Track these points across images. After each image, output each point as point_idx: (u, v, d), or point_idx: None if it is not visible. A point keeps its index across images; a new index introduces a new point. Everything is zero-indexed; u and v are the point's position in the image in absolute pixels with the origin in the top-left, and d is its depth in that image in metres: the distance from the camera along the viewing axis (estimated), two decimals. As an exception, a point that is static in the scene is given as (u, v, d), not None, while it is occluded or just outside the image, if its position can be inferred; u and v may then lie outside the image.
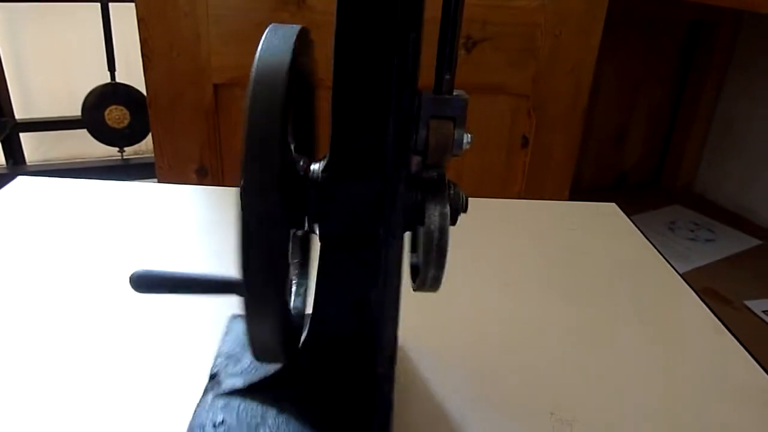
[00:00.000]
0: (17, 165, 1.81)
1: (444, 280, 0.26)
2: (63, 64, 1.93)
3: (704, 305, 0.46)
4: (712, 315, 0.45)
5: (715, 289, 0.86)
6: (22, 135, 1.84)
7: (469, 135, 0.25)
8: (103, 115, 1.78)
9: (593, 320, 0.43)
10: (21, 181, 0.60)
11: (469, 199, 0.28)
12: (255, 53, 0.28)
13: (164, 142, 0.88)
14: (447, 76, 0.24)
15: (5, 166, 1.81)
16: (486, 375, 0.37)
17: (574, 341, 0.41)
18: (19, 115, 1.84)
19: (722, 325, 0.44)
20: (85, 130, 1.79)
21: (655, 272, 0.51)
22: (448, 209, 0.24)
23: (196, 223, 0.54)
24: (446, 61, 0.24)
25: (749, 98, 1.22)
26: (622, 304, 0.45)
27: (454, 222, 0.26)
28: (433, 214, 0.24)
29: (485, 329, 0.41)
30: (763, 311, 0.90)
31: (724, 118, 1.28)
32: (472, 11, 0.83)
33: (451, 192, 0.26)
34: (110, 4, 1.68)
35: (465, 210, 0.26)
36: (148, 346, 0.37)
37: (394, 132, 0.24)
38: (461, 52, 0.86)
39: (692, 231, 1.13)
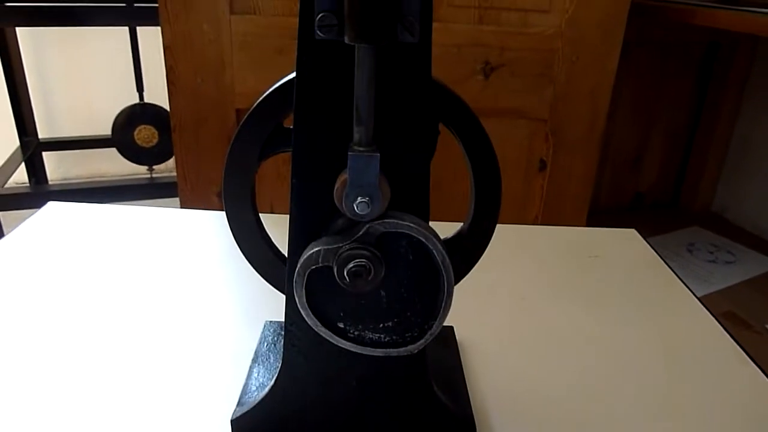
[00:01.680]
0: (39, 183, 1.84)
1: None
2: (87, 86, 1.98)
3: (726, 332, 0.46)
4: (734, 343, 0.45)
5: (735, 312, 0.85)
6: (44, 154, 1.88)
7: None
8: (133, 135, 1.81)
9: (616, 353, 0.43)
10: (51, 206, 0.62)
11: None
12: (276, 80, 0.29)
13: (187, 165, 0.90)
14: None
15: (27, 184, 1.84)
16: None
17: (597, 375, 0.41)
18: (42, 134, 1.88)
19: (745, 354, 0.44)
20: (107, 149, 1.83)
21: (676, 301, 0.51)
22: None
23: (220, 249, 0.55)
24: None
25: (765, 118, 1.22)
26: (645, 337, 0.46)
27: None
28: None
29: (508, 362, 0.42)
30: (786, 336, 0.89)
31: (742, 138, 1.28)
32: (489, 37, 0.85)
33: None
34: (138, 28, 1.72)
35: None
36: (188, 356, 0.38)
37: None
38: (479, 77, 0.87)
39: (711, 253, 1.12)
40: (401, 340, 0.28)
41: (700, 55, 1.27)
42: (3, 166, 1.66)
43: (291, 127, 0.30)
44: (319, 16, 0.22)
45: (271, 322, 0.41)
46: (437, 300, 0.27)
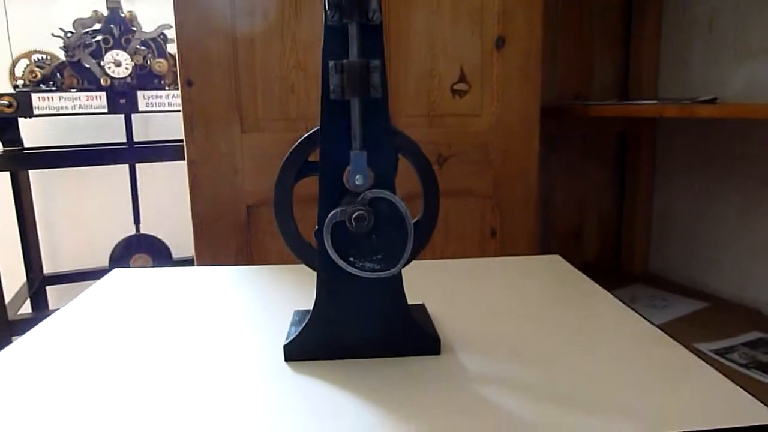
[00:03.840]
0: (40, 311, 1.98)
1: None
2: (87, 221, 2.19)
3: (642, 317, 0.65)
4: (649, 323, 0.64)
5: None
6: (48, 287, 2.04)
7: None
8: (129, 264, 2.01)
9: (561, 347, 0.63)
10: (116, 273, 0.80)
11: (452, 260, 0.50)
12: None
13: (205, 256, 1.09)
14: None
15: (30, 313, 1.98)
16: (465, 336, 0.56)
17: (533, 332, 0.60)
18: (46, 269, 2.06)
19: (659, 330, 0.63)
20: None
21: (588, 294, 0.72)
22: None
23: (289, 300, 0.73)
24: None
25: (676, 191, 1.49)
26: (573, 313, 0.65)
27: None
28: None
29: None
30: (710, 350, 1.08)
31: (660, 209, 1.54)
32: (440, 136, 1.11)
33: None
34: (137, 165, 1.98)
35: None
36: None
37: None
38: (436, 167, 1.12)
39: (650, 302, 1.33)
40: (386, 267, 0.48)
41: (613, 143, 1.56)
42: (11, 301, 1.80)
43: (313, 160, 0.52)
44: (332, 87, 0.45)
45: (297, 311, 0.60)
46: (405, 240, 0.48)
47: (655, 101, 1.16)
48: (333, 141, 0.47)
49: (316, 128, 0.50)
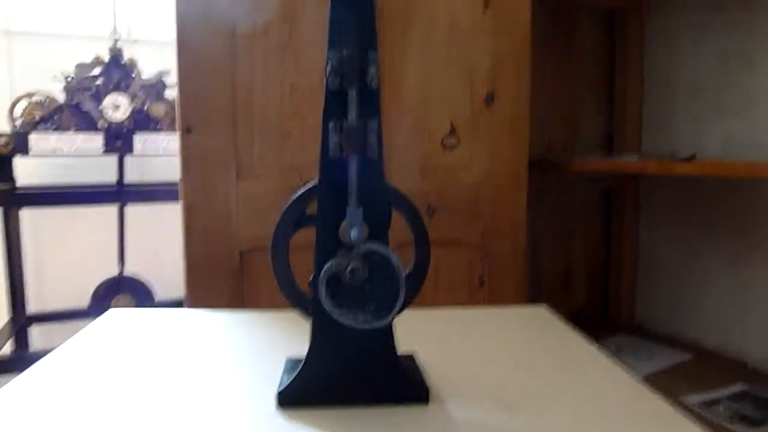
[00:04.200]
0: (22, 349, 1.95)
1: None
2: (72, 261, 2.18)
3: (627, 372, 0.67)
4: (635, 381, 0.66)
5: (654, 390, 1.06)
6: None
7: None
8: (110, 305, 2.00)
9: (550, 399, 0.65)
10: (112, 312, 0.81)
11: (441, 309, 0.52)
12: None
13: (196, 299, 1.10)
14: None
15: (10, 352, 1.94)
16: None
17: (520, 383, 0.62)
18: (31, 308, 2.04)
19: (645, 388, 0.65)
20: (84, 320, 1.98)
21: (573, 348, 0.74)
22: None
23: (280, 347, 0.75)
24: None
25: (660, 242, 1.52)
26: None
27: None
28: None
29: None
30: (695, 403, 1.09)
31: (646, 261, 1.57)
32: (430, 188, 1.14)
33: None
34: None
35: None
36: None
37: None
38: (426, 217, 1.15)
39: (634, 352, 1.34)
40: (378, 317, 0.50)
41: (598, 197, 1.61)
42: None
43: (310, 213, 0.54)
44: (331, 146, 0.48)
45: (289, 358, 0.61)
46: (397, 292, 0.50)
47: (637, 156, 1.21)
48: (331, 196, 0.49)
49: (315, 182, 0.52)
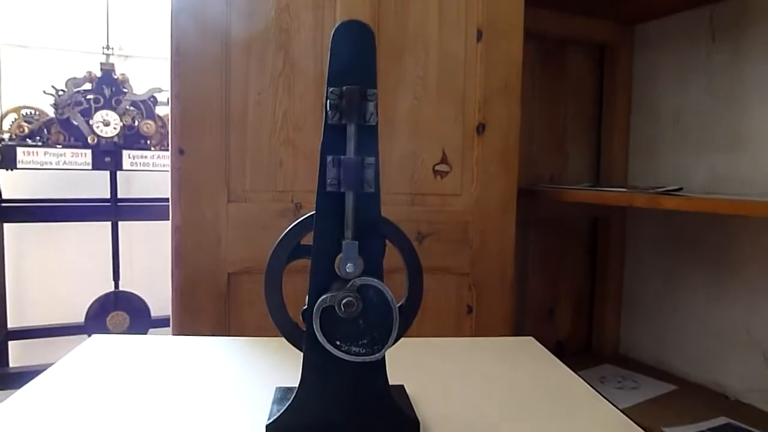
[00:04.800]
0: (1, 366, 1.91)
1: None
2: (62, 277, 2.15)
3: (617, 409, 0.67)
4: (622, 414, 0.66)
5: (638, 421, 1.07)
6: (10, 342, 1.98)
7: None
8: (105, 321, 1.97)
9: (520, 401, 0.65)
10: (95, 338, 0.80)
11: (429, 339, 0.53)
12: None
13: (182, 322, 1.09)
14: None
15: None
16: None
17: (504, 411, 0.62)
18: (11, 323, 2.00)
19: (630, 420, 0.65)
20: (74, 336, 1.96)
21: (558, 377, 0.74)
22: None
23: (268, 375, 0.74)
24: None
25: (645, 273, 1.54)
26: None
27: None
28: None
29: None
30: (677, 437, 1.10)
31: (630, 292, 1.59)
32: (420, 215, 1.15)
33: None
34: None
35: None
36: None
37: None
38: (415, 243, 1.15)
39: (619, 382, 1.35)
40: (371, 351, 0.50)
41: (584, 227, 1.63)
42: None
43: (305, 243, 0.54)
44: (329, 180, 0.48)
45: (279, 387, 0.61)
46: (390, 326, 0.50)
47: (624, 189, 1.23)
48: (327, 229, 0.50)
49: (311, 213, 0.52)
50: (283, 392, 0.58)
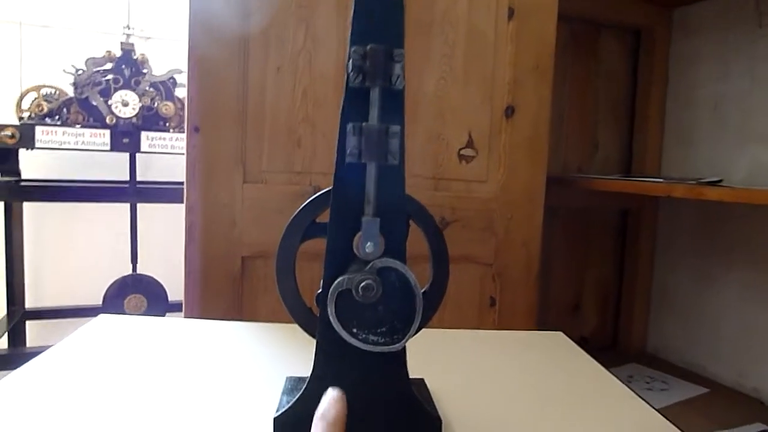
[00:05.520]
0: (17, 347, 1.91)
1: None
2: (79, 257, 2.14)
3: (651, 407, 0.62)
4: (659, 414, 0.61)
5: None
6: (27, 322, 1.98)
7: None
8: (123, 303, 1.96)
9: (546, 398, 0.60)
10: (102, 318, 0.77)
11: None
12: (277, 233, 0.49)
13: (194, 305, 1.06)
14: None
15: (6, 348, 1.90)
16: None
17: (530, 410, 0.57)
18: (29, 304, 2.00)
19: (664, 418, 0.60)
20: (92, 318, 1.94)
21: (585, 372, 0.69)
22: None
23: (279, 363, 0.70)
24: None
25: (676, 270, 1.47)
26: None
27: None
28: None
29: None
30: (711, 442, 1.04)
31: (660, 288, 1.52)
32: (444, 201, 1.10)
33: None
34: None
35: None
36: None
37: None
38: (436, 231, 1.10)
39: (648, 383, 1.29)
40: (391, 340, 0.45)
41: (614, 220, 1.56)
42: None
43: (321, 222, 0.50)
44: (349, 150, 0.43)
45: (290, 377, 0.57)
46: (413, 314, 0.45)
47: (660, 179, 1.16)
48: (345, 205, 0.45)
49: (327, 189, 0.48)
50: (294, 382, 0.54)
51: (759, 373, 1.27)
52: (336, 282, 0.44)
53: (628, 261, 1.54)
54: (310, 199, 0.50)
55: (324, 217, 0.49)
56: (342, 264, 0.45)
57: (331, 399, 0.38)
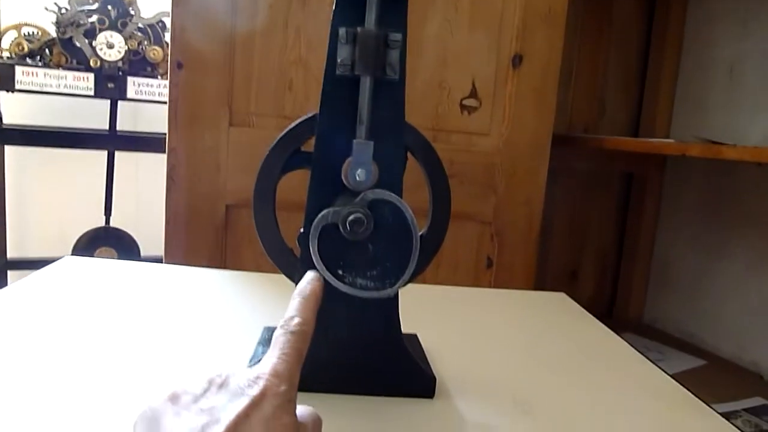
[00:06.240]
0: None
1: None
2: (61, 207, 2.07)
3: (665, 373, 0.56)
4: (661, 371, 0.56)
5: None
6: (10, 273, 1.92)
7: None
8: (93, 255, 1.89)
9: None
10: (67, 260, 0.71)
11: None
12: None
13: (175, 254, 1.00)
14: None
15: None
16: None
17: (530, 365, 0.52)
18: (11, 253, 1.93)
19: (668, 375, 0.55)
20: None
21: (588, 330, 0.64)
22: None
23: (259, 314, 0.63)
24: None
25: (679, 239, 1.42)
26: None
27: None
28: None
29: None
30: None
31: (661, 257, 1.47)
32: (442, 153, 1.02)
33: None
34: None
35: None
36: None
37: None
38: (434, 186, 1.04)
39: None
40: (382, 286, 0.39)
41: (618, 184, 1.50)
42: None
43: (306, 150, 0.43)
44: (340, 60, 0.37)
45: (268, 327, 0.51)
46: (408, 256, 0.39)
47: (671, 141, 1.10)
48: (333, 125, 0.39)
49: (314, 113, 0.41)
50: (271, 333, 0.48)
51: (759, 346, 1.23)
52: (320, 215, 0.38)
53: (630, 227, 1.49)
54: (295, 123, 0.43)
55: (310, 146, 0.42)
56: (328, 195, 0.39)
57: (307, 277, 0.36)
